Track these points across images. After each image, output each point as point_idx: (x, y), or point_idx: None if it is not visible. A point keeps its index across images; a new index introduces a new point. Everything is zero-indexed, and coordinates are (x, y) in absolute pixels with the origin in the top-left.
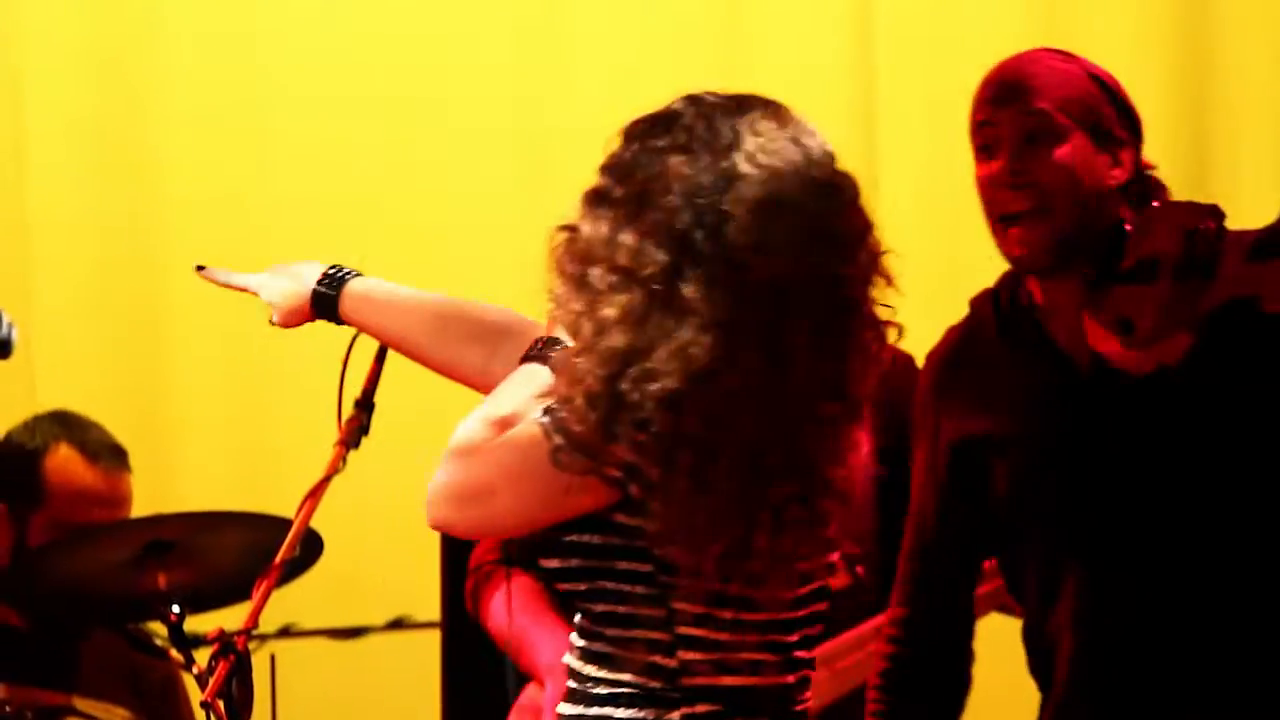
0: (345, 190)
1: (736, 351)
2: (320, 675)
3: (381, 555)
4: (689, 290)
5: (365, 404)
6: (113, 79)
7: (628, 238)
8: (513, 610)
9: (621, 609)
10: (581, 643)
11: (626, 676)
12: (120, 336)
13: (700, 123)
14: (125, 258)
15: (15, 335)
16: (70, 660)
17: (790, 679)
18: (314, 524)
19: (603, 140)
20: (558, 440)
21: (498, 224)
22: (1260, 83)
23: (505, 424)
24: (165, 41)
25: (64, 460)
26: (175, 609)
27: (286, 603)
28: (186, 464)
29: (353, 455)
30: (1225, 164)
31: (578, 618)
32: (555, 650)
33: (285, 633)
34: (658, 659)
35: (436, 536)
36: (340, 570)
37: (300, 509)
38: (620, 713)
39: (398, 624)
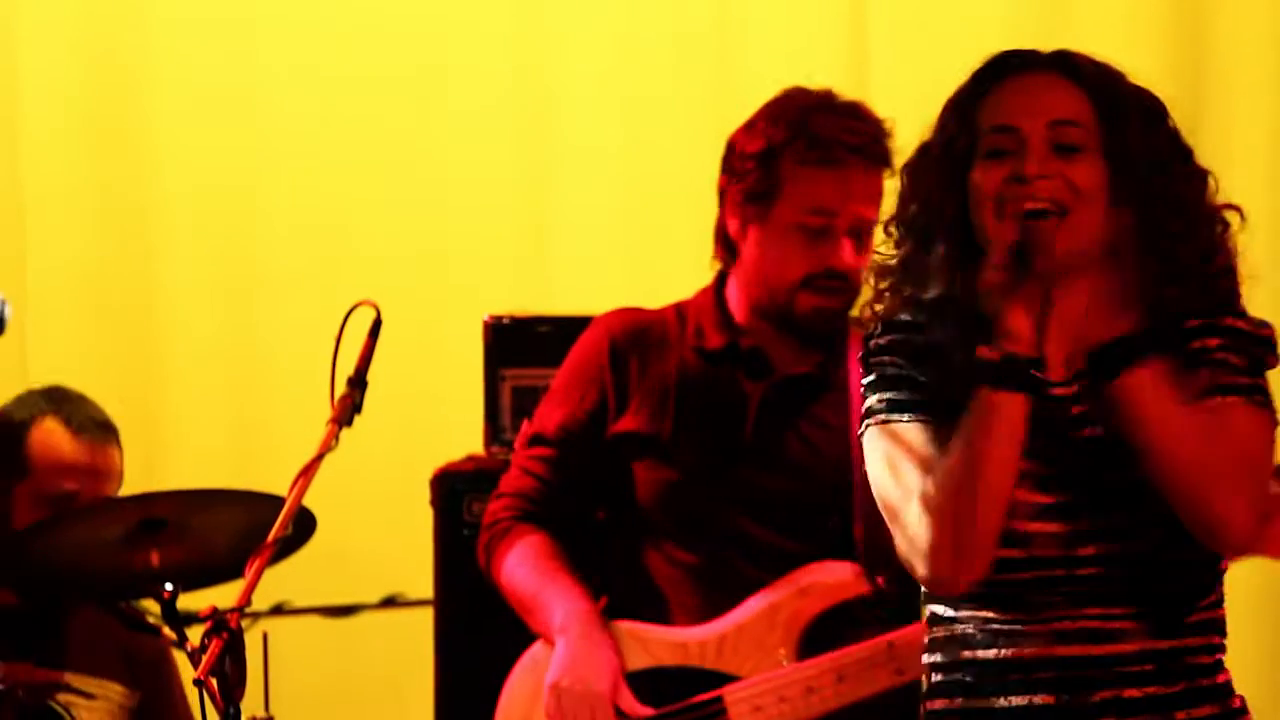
0: (341, 168)
1: None
2: (313, 653)
3: (374, 533)
4: None
5: (358, 382)
6: (107, 58)
7: None
8: (525, 568)
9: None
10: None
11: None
12: (114, 314)
13: None
14: (119, 236)
15: (9, 312)
16: (62, 636)
17: None
18: (307, 502)
19: (599, 113)
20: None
21: (497, 201)
22: (1256, 80)
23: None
24: (159, 21)
25: (47, 432)
26: (168, 587)
27: (279, 580)
28: (179, 442)
29: (345, 433)
30: (1221, 162)
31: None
32: (566, 611)
33: (278, 610)
34: None
35: (429, 514)
36: (333, 548)
37: (293, 487)
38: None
39: (390, 602)
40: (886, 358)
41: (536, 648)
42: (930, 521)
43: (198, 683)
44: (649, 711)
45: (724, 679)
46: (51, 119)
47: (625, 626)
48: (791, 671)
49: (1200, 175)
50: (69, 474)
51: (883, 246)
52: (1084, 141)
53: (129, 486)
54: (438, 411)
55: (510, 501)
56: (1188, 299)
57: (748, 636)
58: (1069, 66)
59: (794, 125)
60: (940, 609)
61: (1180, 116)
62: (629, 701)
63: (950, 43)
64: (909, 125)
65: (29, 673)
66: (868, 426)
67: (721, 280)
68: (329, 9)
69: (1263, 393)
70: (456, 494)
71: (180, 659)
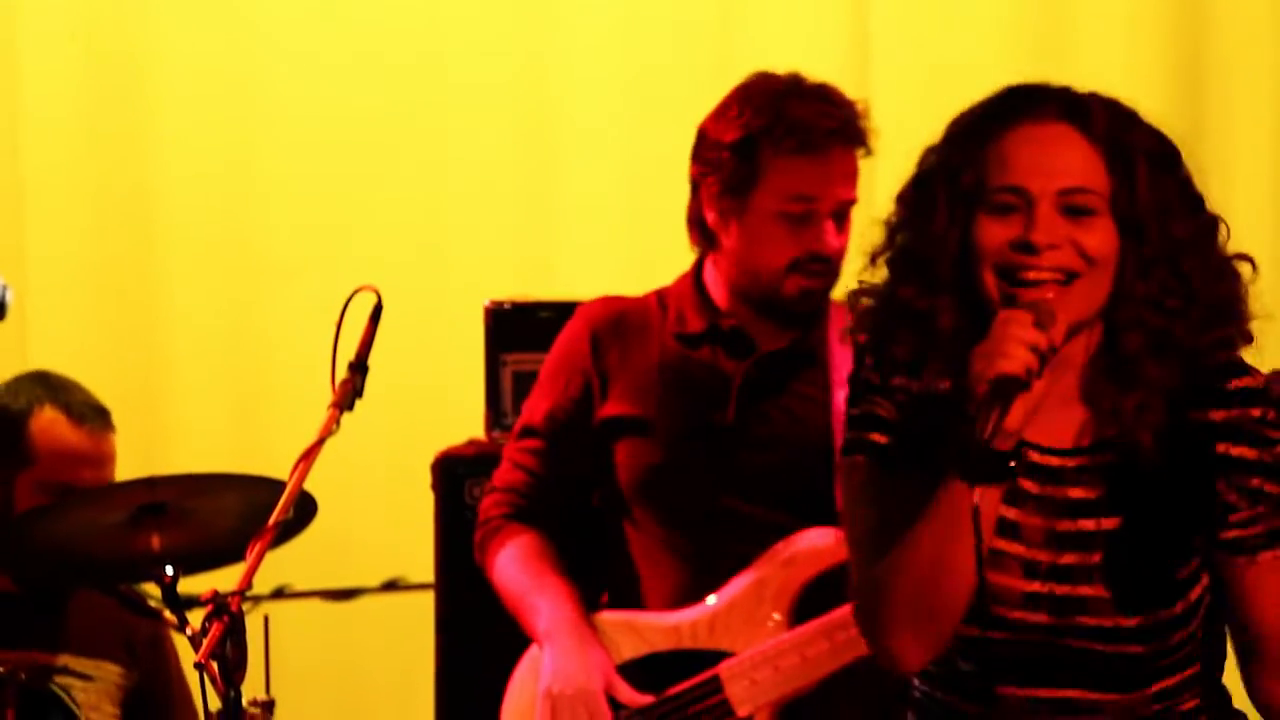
0: (342, 153)
1: None
2: (314, 637)
3: (375, 517)
4: None
5: (359, 366)
6: (107, 43)
7: None
8: (514, 569)
9: None
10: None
11: None
12: (114, 299)
13: None
14: (119, 221)
15: (10, 297)
16: (61, 618)
17: None
18: (308, 486)
19: (601, 97)
20: None
21: (499, 186)
22: (1258, 80)
23: None
24: (160, 6)
25: (50, 422)
26: (169, 570)
27: (280, 564)
28: (180, 426)
29: (346, 417)
30: (1224, 164)
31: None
32: (551, 617)
33: (279, 594)
34: None
35: (430, 498)
36: (334, 532)
37: (294, 471)
38: None
39: (391, 585)
40: (878, 397)
41: (534, 651)
42: (888, 603)
43: (198, 666)
44: (649, 699)
45: (719, 656)
46: (52, 104)
47: (617, 617)
48: (782, 641)
49: (1210, 224)
50: (77, 464)
51: (865, 274)
52: (1096, 205)
53: (130, 470)
54: (439, 396)
55: (501, 497)
56: (1174, 376)
57: (739, 612)
58: (1082, 116)
59: (769, 112)
60: None
61: (1181, 119)
62: (626, 692)
63: (952, 36)
64: (911, 115)
65: (26, 657)
66: (848, 446)
67: (700, 265)
68: None
69: None
70: (457, 478)
71: (180, 642)
